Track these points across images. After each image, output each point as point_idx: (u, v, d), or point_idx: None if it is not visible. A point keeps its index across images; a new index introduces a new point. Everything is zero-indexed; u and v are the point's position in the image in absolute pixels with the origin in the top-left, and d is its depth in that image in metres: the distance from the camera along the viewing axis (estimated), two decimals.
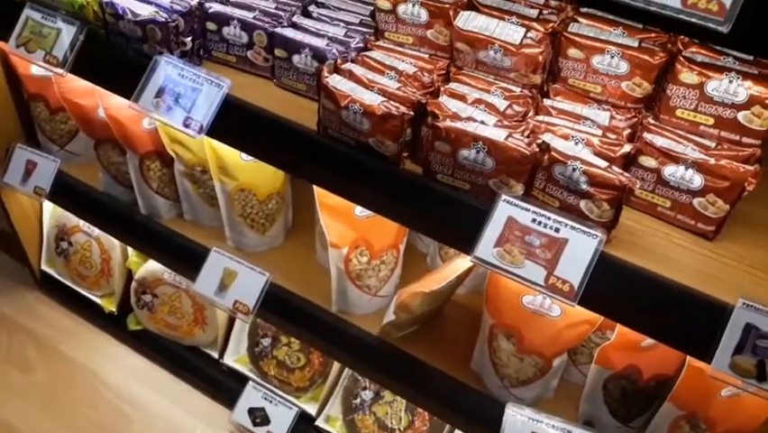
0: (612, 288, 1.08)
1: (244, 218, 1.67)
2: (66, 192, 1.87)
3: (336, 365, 1.83)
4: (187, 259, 1.69)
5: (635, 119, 1.24)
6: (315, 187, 1.40)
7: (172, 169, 1.72)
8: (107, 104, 1.62)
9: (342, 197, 1.30)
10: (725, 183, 1.14)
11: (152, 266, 1.96)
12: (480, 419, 1.42)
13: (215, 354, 2.02)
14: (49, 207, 2.16)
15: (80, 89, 1.67)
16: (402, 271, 1.64)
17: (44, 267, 2.25)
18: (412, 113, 1.20)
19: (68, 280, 2.22)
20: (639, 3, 0.80)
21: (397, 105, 1.21)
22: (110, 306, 2.15)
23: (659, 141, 1.19)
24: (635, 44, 1.22)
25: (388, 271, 1.57)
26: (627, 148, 1.17)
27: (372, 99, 1.22)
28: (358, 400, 1.81)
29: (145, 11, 1.43)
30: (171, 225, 1.81)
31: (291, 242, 1.80)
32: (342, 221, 1.46)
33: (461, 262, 1.34)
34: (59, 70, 1.47)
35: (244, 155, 1.57)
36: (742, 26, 0.78)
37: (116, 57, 1.49)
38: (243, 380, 1.93)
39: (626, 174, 1.12)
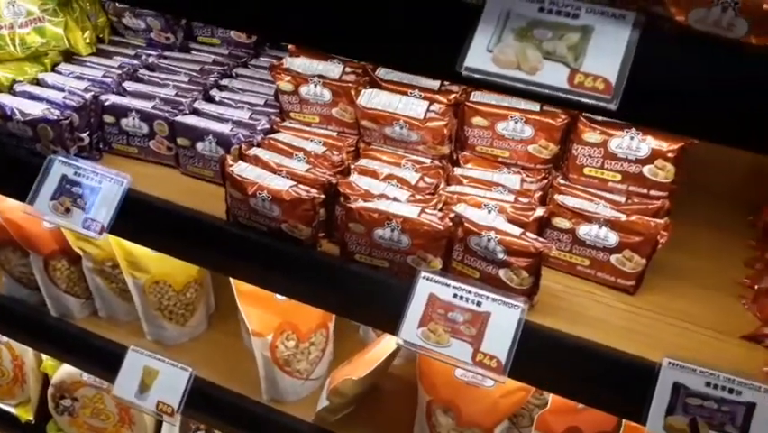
0: (539, 357, 1.06)
1: (162, 311, 1.58)
2: None
3: None
4: (104, 360, 1.58)
5: (546, 180, 1.25)
6: None
7: (80, 266, 1.62)
8: (2, 207, 1.52)
9: (258, 286, 1.25)
10: (638, 238, 1.16)
11: (70, 368, 1.82)
12: None
13: None
14: None
15: None
16: (334, 348, 1.58)
17: None
18: (323, 195, 1.17)
19: None
20: (526, 85, 0.80)
21: (307, 188, 1.18)
22: (26, 415, 1.99)
23: (570, 201, 1.20)
24: (537, 108, 1.24)
25: (318, 353, 1.51)
26: (540, 212, 1.17)
27: (281, 185, 1.18)
28: None
29: (36, 109, 1.36)
30: (85, 324, 1.70)
31: (215, 329, 1.71)
32: (264, 307, 1.40)
33: (390, 343, 1.30)
34: None
35: None
36: (631, 99, 0.79)
37: (7, 159, 1.40)
38: None
39: (540, 239, 1.12)
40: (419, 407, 1.39)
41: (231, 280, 1.38)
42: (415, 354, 1.52)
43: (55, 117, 1.34)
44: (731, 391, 0.95)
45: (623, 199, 1.21)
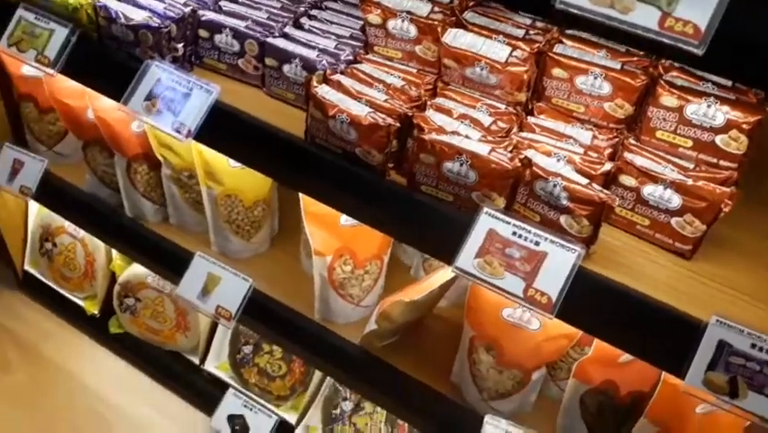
0: (589, 302, 1.09)
1: (230, 224, 1.68)
2: (52, 193, 1.87)
3: (317, 375, 1.83)
4: (171, 263, 1.69)
5: (617, 139, 1.27)
6: (300, 195, 1.41)
7: (159, 172, 1.72)
8: (96, 105, 1.63)
9: (327, 205, 1.31)
10: (702, 204, 1.17)
11: (136, 270, 1.96)
12: (458, 430, 1.42)
13: (197, 361, 2.02)
14: (34, 208, 2.16)
15: (70, 90, 1.67)
16: (385, 282, 1.65)
17: (27, 267, 2.24)
18: (398, 124, 1.22)
19: (51, 282, 2.21)
20: (618, 23, 0.82)
21: (383, 116, 1.23)
22: (92, 308, 2.14)
23: (639, 160, 1.22)
24: (618, 66, 1.25)
25: (371, 281, 1.58)
26: (608, 166, 1.19)
27: (360, 110, 1.24)
28: (338, 411, 1.81)
29: (139, 15, 1.44)
30: (157, 228, 1.81)
31: (276, 249, 1.80)
32: (327, 229, 1.47)
33: (443, 273, 1.36)
34: (50, 70, 1.47)
35: (232, 161, 1.58)
36: (718, 49, 0.81)
37: (107, 59, 1.50)
38: (224, 387, 1.92)
39: (605, 191, 1.14)
40: (462, 342, 1.44)
41: (300, 200, 1.45)
42: (462, 298, 1.58)
43: (156, 25, 1.42)
44: None
45: (691, 166, 1.22)
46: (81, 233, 2.06)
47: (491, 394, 1.42)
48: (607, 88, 1.25)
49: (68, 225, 2.07)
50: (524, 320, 1.32)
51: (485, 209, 1.14)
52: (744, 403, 0.98)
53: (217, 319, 1.58)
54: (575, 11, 0.84)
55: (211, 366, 1.98)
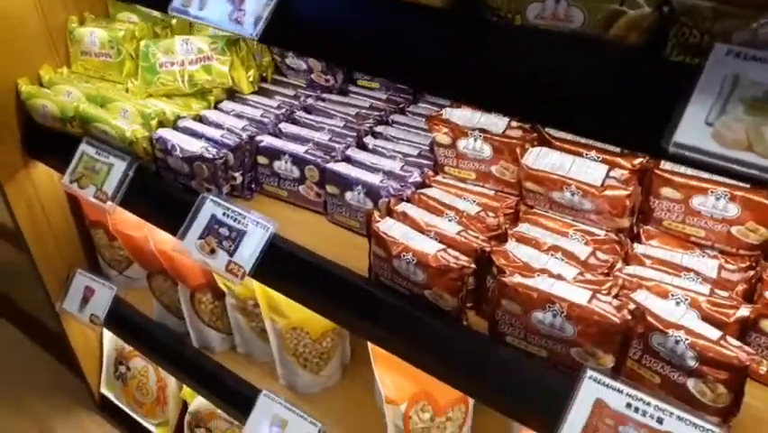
0: None
1: (297, 357, 1.53)
2: (121, 320, 1.81)
3: None
4: (237, 399, 1.56)
5: (752, 271, 1.01)
6: None
7: (224, 301, 1.61)
8: (156, 237, 1.56)
9: (393, 354, 1.13)
10: None
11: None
12: None
13: None
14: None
15: (132, 222, 1.62)
16: (474, 424, 1.42)
17: (103, 390, 2.18)
18: (473, 266, 1.03)
19: (126, 406, 2.13)
20: (761, 172, 0.61)
21: (456, 254, 1.05)
22: None
23: None
24: (747, 185, 1.01)
25: (455, 429, 1.36)
26: (745, 311, 0.94)
27: (428, 247, 1.06)
28: None
29: (194, 146, 1.36)
30: (223, 358, 1.69)
31: (349, 380, 1.63)
32: (401, 372, 1.28)
33: None
34: (108, 205, 1.42)
35: None
36: None
37: (163, 193, 1.43)
38: None
39: (745, 348, 0.89)
40: None
41: (369, 343, 1.28)
42: None
43: (211, 156, 1.33)
44: None
45: None
46: None
47: None
48: (734, 210, 1.02)
49: None
50: None
51: (589, 372, 0.91)
52: None
53: None
54: (695, 155, 0.64)
55: None
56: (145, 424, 2.09)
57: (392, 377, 1.29)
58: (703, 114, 0.67)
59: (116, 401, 2.15)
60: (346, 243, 1.30)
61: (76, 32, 1.62)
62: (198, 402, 1.86)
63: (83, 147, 1.50)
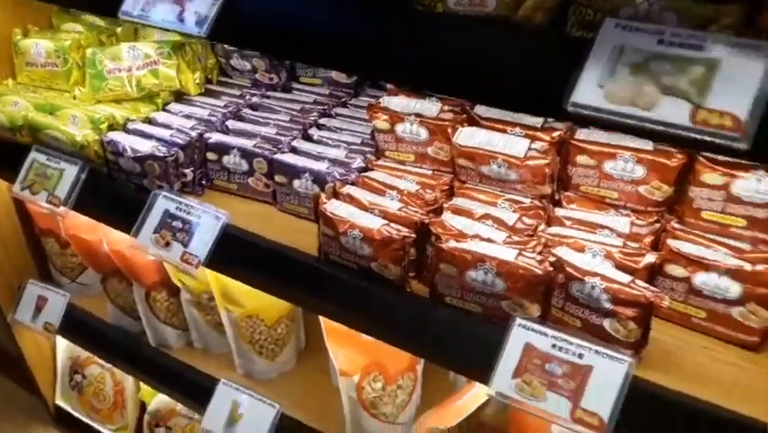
0: (646, 417, 0.95)
1: (253, 345, 1.59)
2: (76, 326, 1.82)
3: None
4: (195, 392, 1.60)
5: (658, 224, 1.15)
6: None
7: (179, 298, 1.66)
8: (110, 238, 1.60)
9: (345, 325, 1.22)
10: (766, 290, 1.03)
11: (165, 397, 1.87)
12: None
13: None
14: (63, 340, 2.11)
15: (85, 225, 1.65)
16: (422, 392, 1.52)
17: (59, 402, 2.17)
18: (413, 235, 1.14)
19: (83, 415, 2.13)
20: (641, 122, 0.73)
21: (398, 227, 1.15)
22: None
23: (686, 247, 1.10)
24: (650, 147, 1.15)
25: (405, 396, 1.45)
26: (651, 258, 1.07)
27: (372, 223, 1.16)
28: None
29: (145, 146, 1.42)
30: (181, 354, 1.74)
31: (304, 365, 1.71)
32: (352, 346, 1.37)
33: (482, 391, 1.23)
34: (61, 210, 1.46)
35: None
36: (765, 137, 0.71)
37: (116, 193, 1.48)
38: None
39: (651, 288, 1.02)
40: None
41: (320, 318, 1.36)
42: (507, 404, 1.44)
43: (162, 154, 1.40)
44: None
45: (747, 247, 1.09)
46: (108, 363, 1.99)
47: None
48: (640, 171, 1.15)
49: None
50: None
51: (518, 321, 1.03)
52: None
53: None
54: (589, 112, 0.76)
55: None
56: (104, 431, 2.10)
57: (344, 351, 1.38)
58: (596, 77, 0.80)
59: (73, 412, 2.15)
60: (296, 228, 1.39)
61: (20, 43, 1.66)
62: (158, 401, 1.89)
63: (33, 155, 1.53)
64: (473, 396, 1.25)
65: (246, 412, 1.49)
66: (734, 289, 1.06)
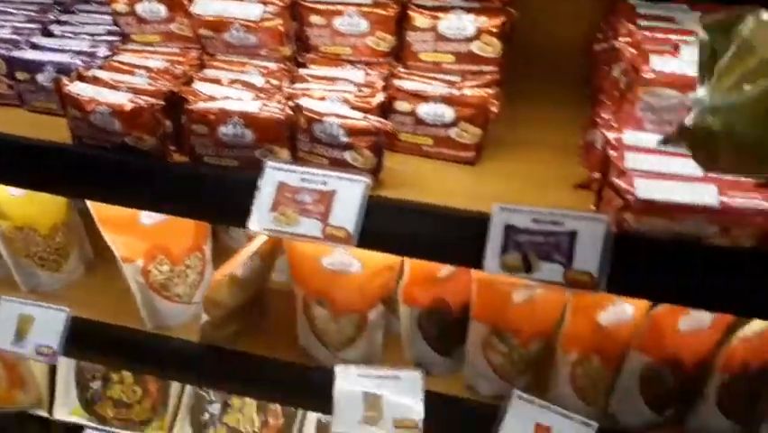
0: (387, 225, 1.12)
1: (31, 258, 1.55)
2: None
3: (174, 387, 1.75)
4: None
5: (388, 72, 1.31)
6: (89, 203, 1.33)
7: None
8: None
9: (111, 203, 1.24)
10: (471, 110, 1.24)
11: None
12: (318, 392, 1.41)
13: (45, 413, 1.85)
14: None
15: None
16: (214, 270, 1.60)
17: None
18: (163, 103, 1.18)
19: None
20: None
21: (146, 98, 1.18)
22: None
23: (409, 85, 1.27)
24: (370, 1, 1.28)
25: (196, 276, 1.53)
26: (380, 97, 1.23)
27: (120, 98, 1.18)
28: (206, 416, 1.74)
29: None
30: None
31: (94, 273, 1.69)
32: (130, 232, 1.40)
33: (257, 240, 1.34)
34: None
35: (14, 190, 1.46)
36: None
37: None
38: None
39: (379, 119, 1.17)
40: (297, 304, 1.44)
41: (91, 210, 1.37)
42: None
43: None
44: (554, 222, 1.05)
45: (458, 79, 1.28)
46: None
47: (337, 346, 1.42)
48: (364, 24, 1.28)
49: None
50: (345, 264, 1.33)
51: (269, 163, 1.13)
52: (538, 275, 1.05)
53: (41, 359, 1.46)
54: None
55: (62, 414, 1.83)
56: None
57: (123, 238, 1.40)
58: None
59: None
60: (49, 125, 1.34)
61: None
62: None
63: None
64: (247, 249, 1.35)
65: (35, 323, 1.47)
66: (448, 113, 1.25)
